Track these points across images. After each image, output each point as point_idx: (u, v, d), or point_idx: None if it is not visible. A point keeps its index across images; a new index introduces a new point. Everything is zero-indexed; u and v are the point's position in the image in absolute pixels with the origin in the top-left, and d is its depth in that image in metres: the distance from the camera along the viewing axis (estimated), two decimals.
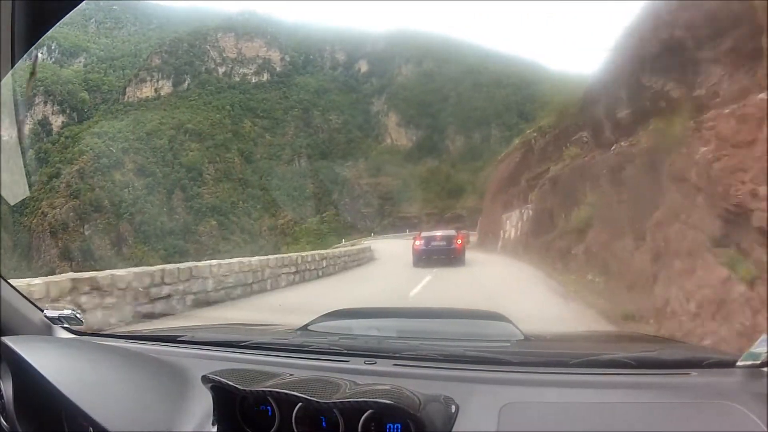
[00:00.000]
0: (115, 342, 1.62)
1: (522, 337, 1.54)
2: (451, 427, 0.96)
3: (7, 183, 2.01)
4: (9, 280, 1.55)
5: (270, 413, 1.02)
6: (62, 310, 1.63)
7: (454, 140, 59.37)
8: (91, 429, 1.05)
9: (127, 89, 62.04)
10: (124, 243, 53.87)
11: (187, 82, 61.20)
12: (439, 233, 14.22)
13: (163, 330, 1.90)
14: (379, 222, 50.16)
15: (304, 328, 1.74)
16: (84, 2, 1.23)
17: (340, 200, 54.51)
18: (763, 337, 1.00)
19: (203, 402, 1.10)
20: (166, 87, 60.93)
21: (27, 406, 1.19)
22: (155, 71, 61.37)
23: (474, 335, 1.72)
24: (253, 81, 63.34)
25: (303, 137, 59.45)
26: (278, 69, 64.68)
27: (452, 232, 14.59)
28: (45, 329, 1.59)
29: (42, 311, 1.61)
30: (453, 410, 1.00)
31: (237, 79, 62.93)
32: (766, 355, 0.99)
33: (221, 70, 63.15)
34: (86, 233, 54.49)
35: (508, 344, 1.51)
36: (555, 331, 2.48)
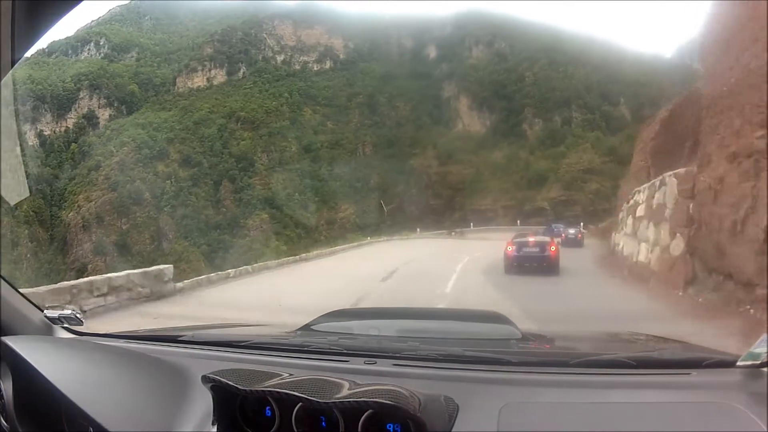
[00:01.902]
0: (115, 342, 1.55)
1: (522, 337, 1.48)
2: (451, 428, 0.94)
3: (6, 181, 1.91)
4: (10, 281, 1.48)
5: (270, 413, 0.99)
6: (62, 310, 1.56)
7: (532, 124, 49.61)
8: (91, 429, 1.03)
9: (177, 80, 55.87)
10: (164, 237, 46.50)
11: (242, 71, 53.84)
12: (531, 238, 12.49)
13: (163, 330, 1.83)
14: (449, 216, 40.76)
15: (304, 328, 1.68)
16: (83, 2, 1.17)
17: (407, 191, 45.39)
18: (764, 337, 0.97)
19: (203, 402, 1.07)
20: (219, 76, 53.52)
21: (27, 406, 1.15)
22: (207, 60, 54.30)
23: (474, 335, 1.64)
24: (315, 69, 55.65)
25: (368, 125, 50.91)
26: (342, 56, 56.95)
27: (546, 238, 12.82)
28: (45, 329, 1.53)
29: (42, 311, 1.55)
30: (453, 410, 0.98)
31: (297, 67, 55.26)
32: (766, 355, 0.96)
33: (279, 58, 55.58)
34: (124, 227, 47.58)
35: (508, 344, 1.46)
36: (555, 331, 2.27)
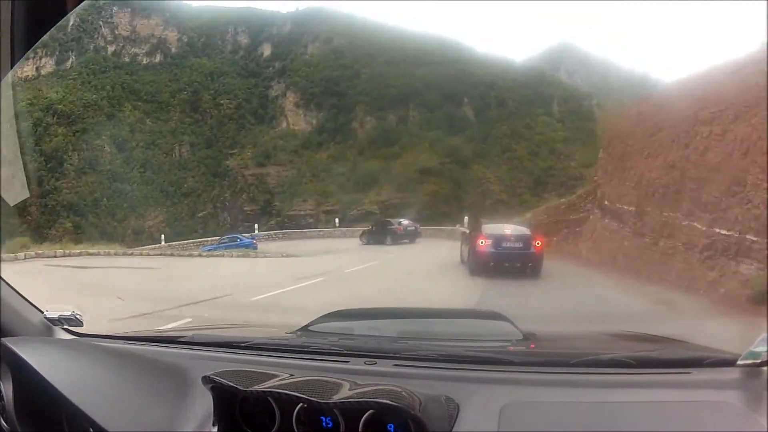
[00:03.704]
0: (115, 343, 1.51)
1: (522, 337, 1.43)
2: (452, 428, 0.91)
3: (6, 183, 1.84)
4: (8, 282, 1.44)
5: (271, 414, 0.96)
6: (62, 311, 1.50)
7: (364, 123, 44.22)
8: (91, 430, 1.00)
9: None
10: None
11: (71, 60, 46.96)
12: (509, 230, 9.44)
13: (164, 331, 1.81)
14: (265, 222, 36.37)
15: (304, 328, 1.62)
16: (83, 2, 1.14)
17: (220, 196, 40.03)
18: (763, 336, 0.94)
19: (203, 403, 1.04)
20: (49, 65, 46.36)
21: (27, 407, 1.12)
22: (39, 48, 47.99)
23: (474, 335, 1.59)
24: (144, 62, 48.74)
25: (188, 123, 44.83)
26: (174, 50, 49.83)
27: (527, 231, 9.68)
28: (45, 330, 1.48)
29: (42, 312, 1.50)
30: (453, 410, 0.95)
31: (126, 59, 48.33)
32: (766, 354, 0.93)
33: (111, 48, 48.52)
34: None
35: (508, 344, 1.42)
36: (555, 331, 2.20)
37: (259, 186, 39.96)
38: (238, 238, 21.86)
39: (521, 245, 9.22)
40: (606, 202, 11.59)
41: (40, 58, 48.34)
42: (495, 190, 43.31)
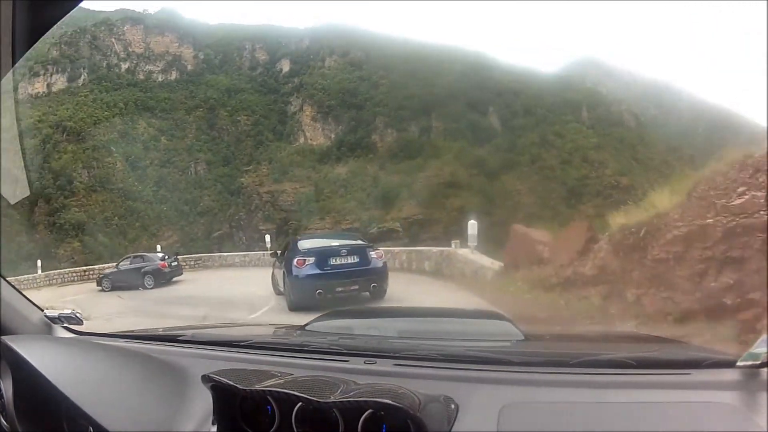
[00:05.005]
0: (115, 342, 1.47)
1: (522, 337, 1.41)
2: (451, 427, 0.91)
3: (7, 183, 1.77)
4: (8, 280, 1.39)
5: (270, 413, 0.95)
6: (62, 309, 1.49)
7: (384, 135, 41.06)
8: (90, 428, 0.99)
9: (19, 85, 47.40)
10: None
11: (83, 77, 44.80)
12: (336, 242, 7.63)
13: (163, 330, 1.73)
14: (282, 241, 33.81)
15: (304, 327, 1.59)
16: (83, 1, 1.15)
17: (236, 215, 37.35)
18: (763, 337, 0.94)
19: (203, 402, 1.03)
20: (60, 82, 44.19)
21: (27, 405, 1.11)
22: (51, 64, 44.54)
23: (474, 335, 1.55)
24: (159, 79, 46.59)
25: (205, 141, 42.43)
26: (190, 67, 47.67)
27: (357, 239, 8.21)
28: (45, 329, 1.47)
29: (42, 311, 1.49)
30: (453, 410, 0.94)
31: (141, 76, 46.19)
32: (765, 355, 0.93)
33: (124, 65, 46.51)
34: None
35: (508, 344, 1.40)
36: (555, 331, 2.24)
37: (275, 204, 37.45)
38: None
39: (357, 260, 7.07)
40: None
41: (51, 75, 46.59)
42: (527, 202, 39.67)
